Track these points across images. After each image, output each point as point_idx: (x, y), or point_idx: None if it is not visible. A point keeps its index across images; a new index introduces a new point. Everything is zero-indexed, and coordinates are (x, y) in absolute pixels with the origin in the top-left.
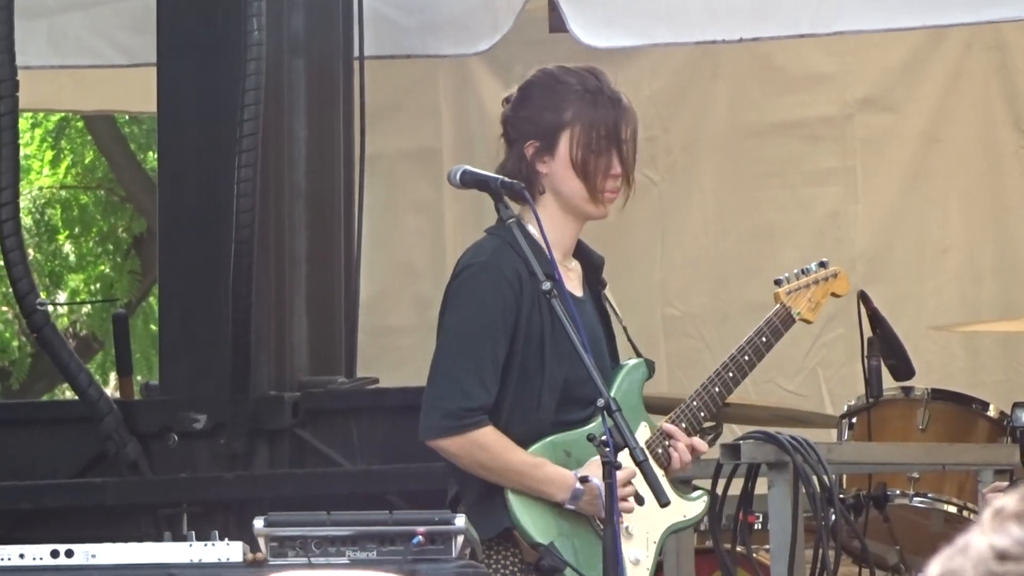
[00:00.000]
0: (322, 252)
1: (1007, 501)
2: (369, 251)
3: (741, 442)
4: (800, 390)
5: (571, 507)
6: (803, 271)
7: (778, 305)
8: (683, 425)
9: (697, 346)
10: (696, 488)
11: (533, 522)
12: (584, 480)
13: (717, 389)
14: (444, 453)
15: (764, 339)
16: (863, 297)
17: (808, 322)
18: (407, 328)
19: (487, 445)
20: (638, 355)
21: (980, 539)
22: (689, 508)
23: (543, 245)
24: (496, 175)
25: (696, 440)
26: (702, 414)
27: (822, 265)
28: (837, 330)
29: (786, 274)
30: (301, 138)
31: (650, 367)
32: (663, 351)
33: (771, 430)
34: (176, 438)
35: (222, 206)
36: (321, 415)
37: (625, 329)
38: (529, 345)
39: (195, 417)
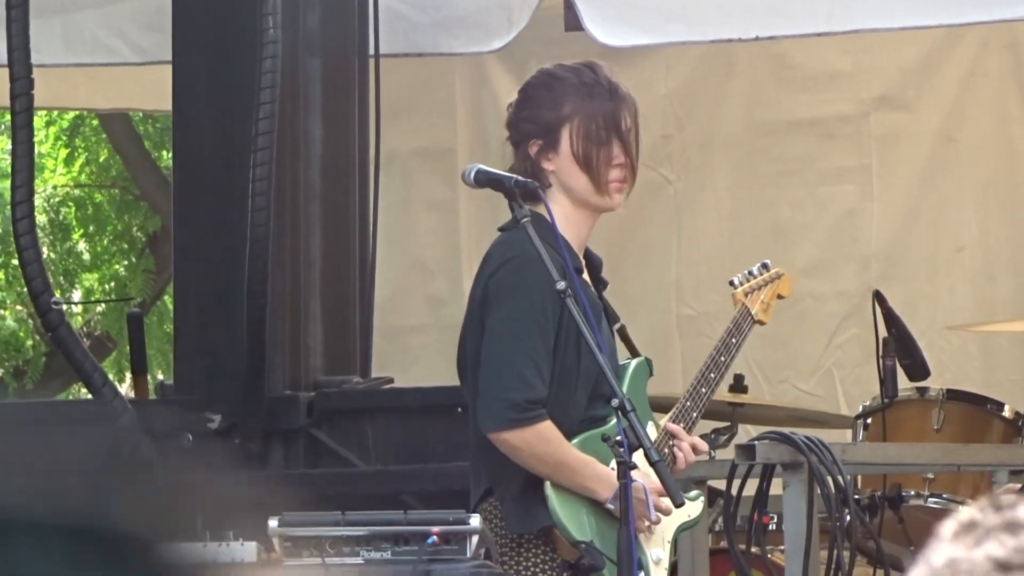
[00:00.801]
0: (337, 251)
1: (974, 515)
2: (383, 250)
3: (756, 443)
4: (815, 390)
5: (611, 507)
6: (750, 273)
7: (740, 305)
8: (681, 425)
9: (711, 345)
10: (692, 488)
11: (573, 520)
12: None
13: (703, 389)
14: (505, 446)
15: (733, 339)
16: (878, 297)
17: (762, 323)
18: (421, 327)
19: (549, 439)
20: (635, 354)
21: (971, 553)
22: (692, 508)
23: (560, 243)
24: (510, 174)
25: (697, 440)
26: (694, 414)
27: (764, 267)
28: (852, 330)
29: (737, 276)
30: (316, 137)
31: (649, 365)
32: (678, 350)
33: (786, 430)
34: (191, 438)
35: (237, 205)
36: (336, 415)
37: (624, 328)
38: (569, 339)
39: (210, 417)
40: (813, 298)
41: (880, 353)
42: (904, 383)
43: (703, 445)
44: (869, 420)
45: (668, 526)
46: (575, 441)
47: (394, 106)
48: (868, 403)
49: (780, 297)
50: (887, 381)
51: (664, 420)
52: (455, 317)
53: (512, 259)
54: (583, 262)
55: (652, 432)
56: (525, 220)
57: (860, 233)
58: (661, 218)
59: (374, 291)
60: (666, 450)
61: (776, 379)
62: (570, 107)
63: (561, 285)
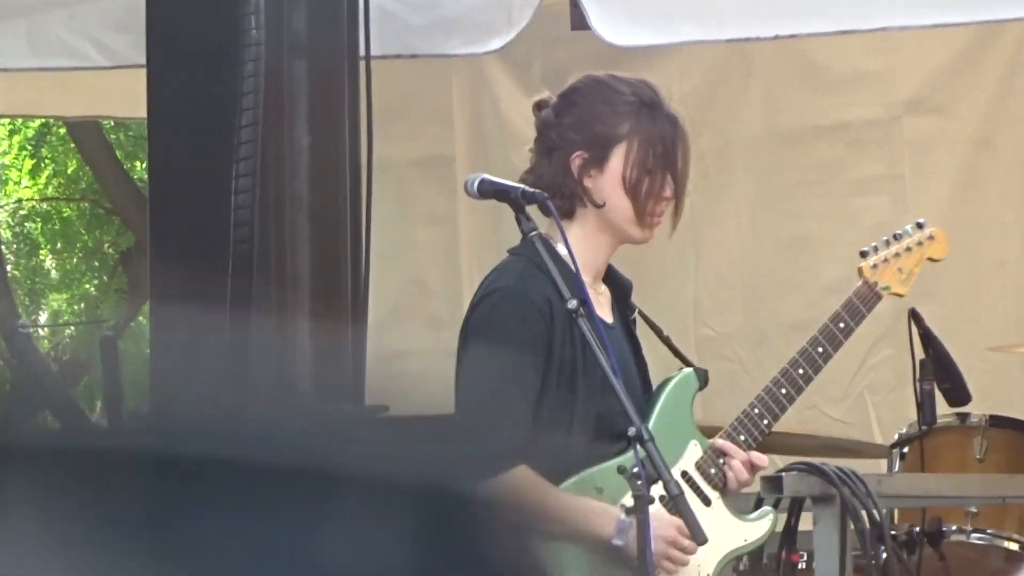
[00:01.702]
0: (327, 269)
1: None
2: (377, 268)
3: (783, 474)
4: (847, 417)
5: (619, 543)
6: (895, 236)
7: (860, 282)
8: (741, 438)
9: (733, 368)
10: (760, 505)
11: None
12: (629, 511)
13: (784, 391)
14: None
15: (842, 324)
16: (914, 316)
17: (899, 295)
18: (419, 351)
19: (523, 487)
20: (687, 364)
21: None
22: (751, 530)
23: (570, 264)
24: (517, 184)
25: (755, 454)
26: (765, 422)
27: (919, 227)
28: (886, 351)
29: (874, 243)
30: (303, 146)
31: (701, 377)
32: None
33: (816, 461)
34: None
35: (218, 219)
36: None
37: (668, 339)
38: (561, 378)
39: None
40: None
41: (917, 376)
42: (943, 409)
43: (762, 460)
44: (906, 449)
45: (707, 558)
46: (568, 481)
47: (387, 112)
48: (904, 431)
49: (932, 260)
50: (925, 407)
51: (718, 435)
52: (456, 340)
53: (493, 292)
54: (601, 288)
55: (697, 452)
56: (533, 235)
57: None
58: (676, 232)
59: (367, 312)
60: (712, 470)
61: (804, 405)
62: (629, 126)
63: (572, 304)
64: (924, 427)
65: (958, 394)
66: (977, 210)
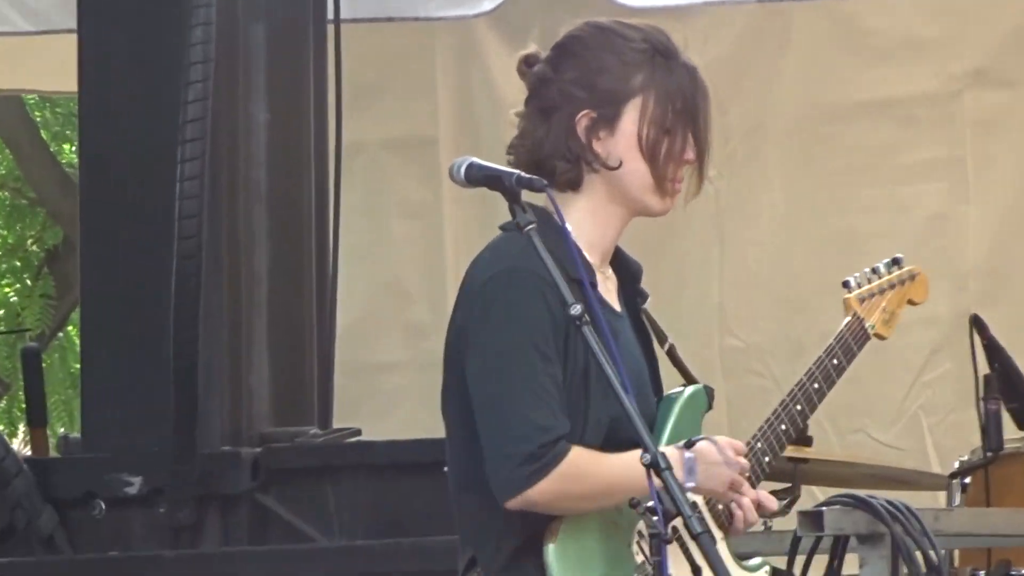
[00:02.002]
0: (289, 269)
1: None
2: (348, 267)
3: (824, 509)
4: (898, 442)
5: (691, 484)
6: (873, 271)
7: (850, 316)
8: (746, 474)
9: (764, 384)
10: (755, 555)
11: None
12: (690, 445)
13: (784, 427)
14: (537, 506)
15: (836, 361)
16: (977, 323)
17: (882, 338)
18: (397, 365)
19: (582, 470)
20: (691, 380)
21: None
22: None
23: (574, 255)
24: (511, 169)
25: (763, 494)
26: (767, 459)
27: (895, 263)
28: (944, 365)
29: (856, 275)
30: (261, 124)
31: (709, 395)
32: (723, 391)
33: (862, 493)
34: (103, 506)
35: (161, 211)
36: (288, 476)
37: (673, 348)
38: (574, 375)
39: (127, 479)
40: None
41: (980, 394)
42: (1012, 432)
43: (771, 502)
44: (968, 479)
45: None
46: None
47: (360, 85)
48: (966, 458)
49: (912, 303)
50: (990, 430)
51: None
52: (440, 351)
53: (500, 272)
54: (608, 272)
55: None
56: (530, 228)
57: (952, 243)
58: (700, 226)
59: (336, 318)
60: (719, 506)
61: (849, 428)
62: (642, 78)
63: (576, 310)
64: (989, 453)
65: None
66: None
